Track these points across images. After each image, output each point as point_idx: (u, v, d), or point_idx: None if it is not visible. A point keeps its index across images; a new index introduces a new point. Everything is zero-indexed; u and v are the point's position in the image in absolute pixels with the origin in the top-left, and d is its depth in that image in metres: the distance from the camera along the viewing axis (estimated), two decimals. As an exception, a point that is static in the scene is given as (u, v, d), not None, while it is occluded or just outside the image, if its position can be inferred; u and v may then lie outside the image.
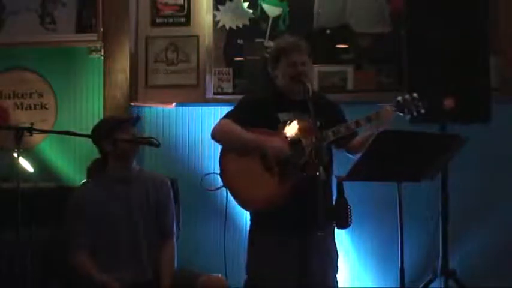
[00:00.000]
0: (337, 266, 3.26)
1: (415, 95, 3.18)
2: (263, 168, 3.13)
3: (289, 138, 3.13)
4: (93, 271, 3.24)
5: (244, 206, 3.23)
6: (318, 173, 2.90)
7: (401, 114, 3.18)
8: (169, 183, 3.50)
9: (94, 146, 3.42)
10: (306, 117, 3.11)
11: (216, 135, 3.25)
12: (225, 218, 3.31)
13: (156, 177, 3.48)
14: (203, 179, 3.33)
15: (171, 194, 3.49)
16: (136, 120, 3.50)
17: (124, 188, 3.36)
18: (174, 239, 3.45)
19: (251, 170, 3.14)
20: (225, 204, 3.23)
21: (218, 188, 3.22)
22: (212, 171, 3.24)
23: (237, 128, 3.17)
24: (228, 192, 3.18)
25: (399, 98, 3.18)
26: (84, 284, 3.30)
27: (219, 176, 3.22)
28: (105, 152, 3.36)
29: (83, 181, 3.57)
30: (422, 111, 3.18)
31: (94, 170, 3.47)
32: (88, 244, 3.30)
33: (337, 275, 3.26)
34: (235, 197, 3.18)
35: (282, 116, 3.19)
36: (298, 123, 3.15)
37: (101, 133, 3.35)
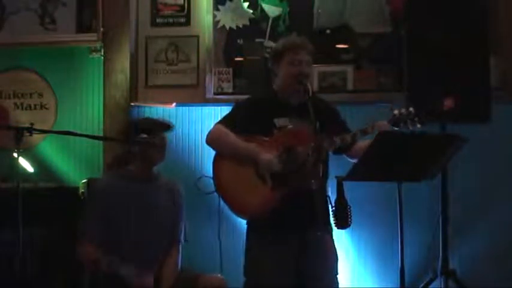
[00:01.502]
0: (337, 268, 3.25)
1: (411, 109, 3.10)
2: (255, 176, 3.10)
3: (283, 147, 3.09)
4: (105, 263, 3.25)
5: (236, 213, 3.21)
6: (312, 181, 2.91)
7: (397, 129, 3.12)
8: (183, 191, 3.51)
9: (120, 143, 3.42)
10: (302, 122, 3.09)
11: (210, 141, 3.23)
12: (219, 219, 3.31)
13: (171, 184, 3.49)
14: (198, 181, 3.33)
15: (184, 203, 3.50)
16: (170, 128, 3.48)
17: (141, 189, 3.37)
18: (179, 247, 3.46)
19: (243, 177, 3.12)
20: (222, 205, 3.23)
21: (212, 192, 3.22)
22: (207, 174, 3.23)
23: (230, 135, 3.15)
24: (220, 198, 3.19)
25: (395, 112, 3.12)
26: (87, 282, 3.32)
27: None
28: (130, 151, 3.36)
29: (104, 175, 3.55)
30: (419, 126, 3.09)
31: (112, 166, 3.47)
32: (98, 238, 3.30)
33: (338, 276, 3.25)
34: (227, 203, 3.17)
35: (278, 121, 3.16)
36: (294, 129, 3.13)
37: (133, 132, 3.36)
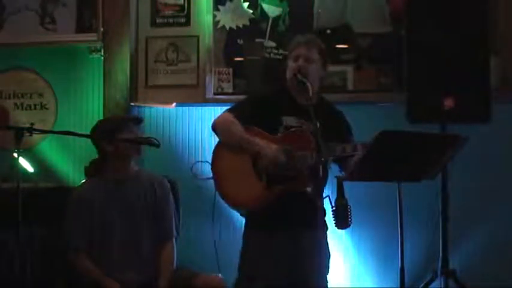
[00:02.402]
0: (328, 267, 3.25)
1: None
2: (253, 170, 3.11)
3: (285, 148, 3.08)
4: (96, 273, 3.25)
5: (227, 203, 3.20)
6: (308, 189, 2.93)
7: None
8: (167, 184, 3.49)
9: (93, 145, 3.41)
10: (308, 124, 3.08)
11: (216, 128, 3.22)
12: (213, 216, 3.30)
13: (154, 178, 3.46)
14: (193, 167, 3.31)
15: (170, 195, 3.47)
16: (139, 120, 3.49)
17: (123, 188, 3.35)
18: (174, 241, 3.44)
19: (241, 169, 3.12)
20: (220, 202, 3.23)
21: (208, 178, 3.21)
22: (208, 173, 3.22)
23: (237, 126, 3.14)
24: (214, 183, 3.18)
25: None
26: (85, 284, 3.31)
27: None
28: (105, 152, 3.35)
29: (82, 181, 3.57)
30: None
31: (92, 170, 3.47)
32: (85, 244, 3.30)
33: (328, 275, 3.24)
34: (219, 191, 3.16)
35: (286, 120, 3.16)
36: (300, 132, 3.13)
37: (102, 133, 3.35)
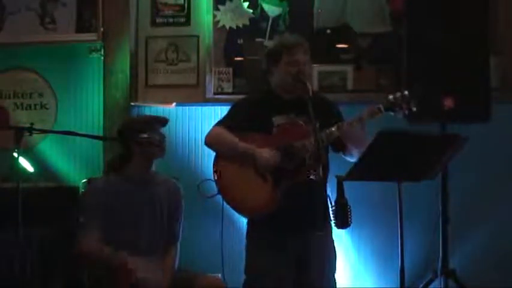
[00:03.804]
0: (335, 266, 3.25)
1: (406, 92, 3.10)
2: (256, 175, 3.11)
3: (280, 145, 3.09)
4: (104, 252, 3.24)
5: (240, 213, 3.22)
6: (312, 177, 2.92)
7: (392, 113, 3.12)
8: (181, 190, 3.51)
9: (120, 143, 3.41)
10: (301, 119, 3.10)
11: (208, 143, 3.24)
12: (222, 218, 3.30)
13: (169, 183, 3.49)
14: (201, 185, 3.31)
15: (182, 201, 3.50)
16: (165, 121, 3.49)
17: (140, 188, 3.36)
18: (178, 245, 3.46)
19: (244, 177, 3.12)
20: (224, 206, 3.23)
21: (215, 195, 3.21)
22: (209, 177, 3.23)
23: (227, 135, 3.15)
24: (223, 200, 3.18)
25: (390, 97, 3.11)
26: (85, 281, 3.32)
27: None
28: (131, 151, 3.35)
29: (97, 177, 3.55)
30: (414, 109, 3.10)
31: (113, 167, 3.46)
32: (97, 235, 3.29)
33: (336, 275, 3.25)
34: (230, 204, 3.16)
35: (276, 119, 3.16)
36: (292, 126, 3.13)
37: (132, 132, 3.34)
